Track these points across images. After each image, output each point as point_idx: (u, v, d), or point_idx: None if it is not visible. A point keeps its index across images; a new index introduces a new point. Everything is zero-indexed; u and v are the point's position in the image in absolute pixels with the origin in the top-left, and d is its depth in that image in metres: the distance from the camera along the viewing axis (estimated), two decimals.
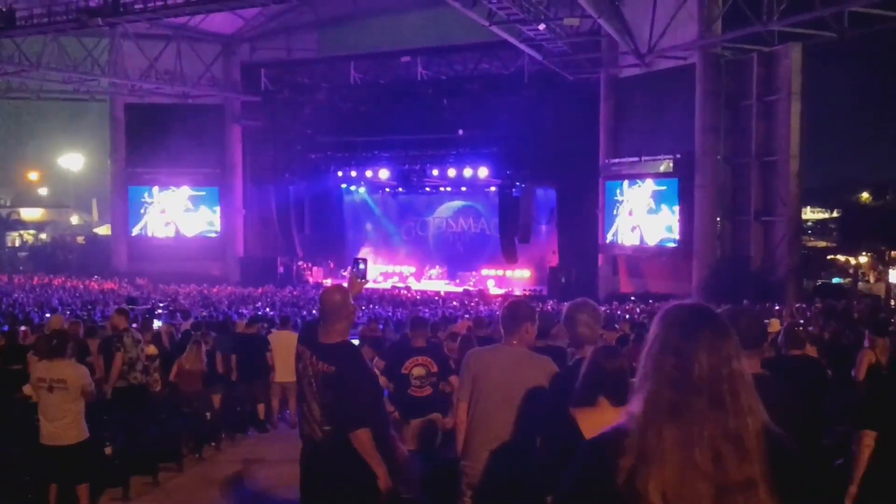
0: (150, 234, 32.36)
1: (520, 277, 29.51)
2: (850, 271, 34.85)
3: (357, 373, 4.02)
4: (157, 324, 12.98)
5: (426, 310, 20.78)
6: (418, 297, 27.01)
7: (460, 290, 29.14)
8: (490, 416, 4.03)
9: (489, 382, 4.06)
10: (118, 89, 29.85)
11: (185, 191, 32.19)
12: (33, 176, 59.77)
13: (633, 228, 25.56)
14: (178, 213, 32.42)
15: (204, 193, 32.38)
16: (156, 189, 32.11)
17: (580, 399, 2.84)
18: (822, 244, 37.04)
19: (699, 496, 1.64)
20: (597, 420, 1.83)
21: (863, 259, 35.45)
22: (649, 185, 24.99)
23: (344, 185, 31.95)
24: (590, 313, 3.95)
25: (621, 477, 1.66)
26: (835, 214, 38.33)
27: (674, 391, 1.69)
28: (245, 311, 18.45)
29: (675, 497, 1.64)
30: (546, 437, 3.00)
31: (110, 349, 8.45)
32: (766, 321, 10.47)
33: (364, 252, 31.19)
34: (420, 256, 32.42)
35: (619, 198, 25.96)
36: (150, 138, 30.17)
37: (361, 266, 4.53)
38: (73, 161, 55.89)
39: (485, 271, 30.35)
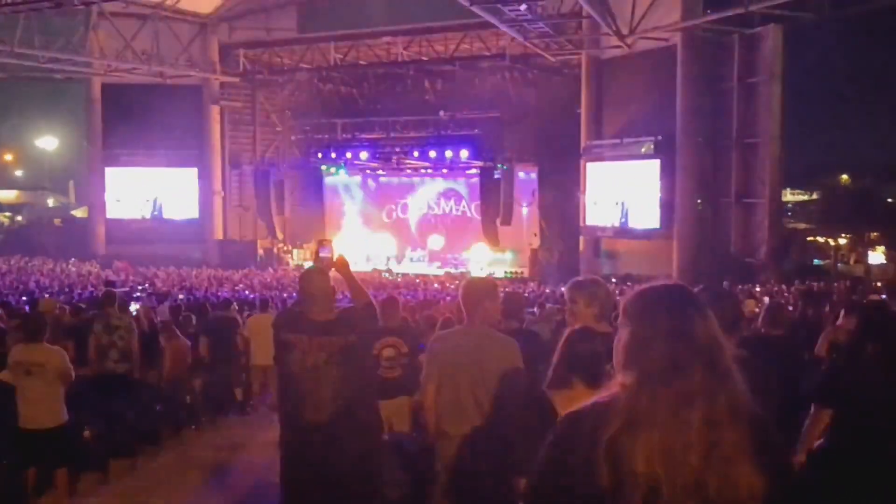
0: (128, 217, 32.05)
1: (502, 260, 29.48)
2: (830, 253, 35.16)
3: (374, 330, 4.63)
4: (134, 307, 12.85)
5: (408, 293, 20.74)
6: (399, 279, 26.98)
7: (442, 272, 29.14)
8: (458, 398, 4.03)
9: (454, 365, 4.08)
10: (94, 70, 29.45)
11: (164, 172, 31.86)
12: (8, 157, 59.01)
13: (615, 210, 25.60)
14: (156, 195, 32.11)
15: (183, 175, 32.06)
16: (134, 170, 31.76)
17: (554, 381, 2.82)
18: (803, 226, 37.35)
19: (687, 458, 1.64)
20: (572, 400, 1.81)
21: (842, 241, 35.79)
22: (631, 167, 25.02)
23: (324, 167, 31.76)
24: (587, 294, 3.87)
25: (602, 445, 1.64)
26: (815, 196, 38.68)
27: (674, 356, 1.71)
28: (224, 294, 18.34)
29: (662, 460, 1.63)
30: (520, 418, 2.98)
31: (82, 334, 8.38)
32: (743, 301, 10.54)
33: (340, 235, 31.19)
34: (401, 239, 32.35)
35: (601, 179, 25.97)
36: (127, 119, 29.75)
37: (325, 251, 4.54)
38: (49, 142, 55.22)
39: (466, 254, 30.32)
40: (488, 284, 4.37)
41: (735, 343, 3.26)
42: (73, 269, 27.12)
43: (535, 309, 11.89)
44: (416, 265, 30.96)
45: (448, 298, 15.93)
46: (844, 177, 38.33)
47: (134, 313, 11.01)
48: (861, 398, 3.88)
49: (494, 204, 27.36)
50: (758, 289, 17.65)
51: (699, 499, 1.63)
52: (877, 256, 34.02)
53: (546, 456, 1.74)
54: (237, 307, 12.28)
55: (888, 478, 3.64)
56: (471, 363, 4.03)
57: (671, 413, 1.66)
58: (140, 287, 21.06)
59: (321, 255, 4.50)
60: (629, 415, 1.67)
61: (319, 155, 29.81)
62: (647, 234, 24.68)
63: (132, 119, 29.45)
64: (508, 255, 29.19)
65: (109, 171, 31.73)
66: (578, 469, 1.66)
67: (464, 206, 31.55)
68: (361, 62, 30.04)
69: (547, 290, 20.28)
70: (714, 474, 1.64)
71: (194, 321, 11.25)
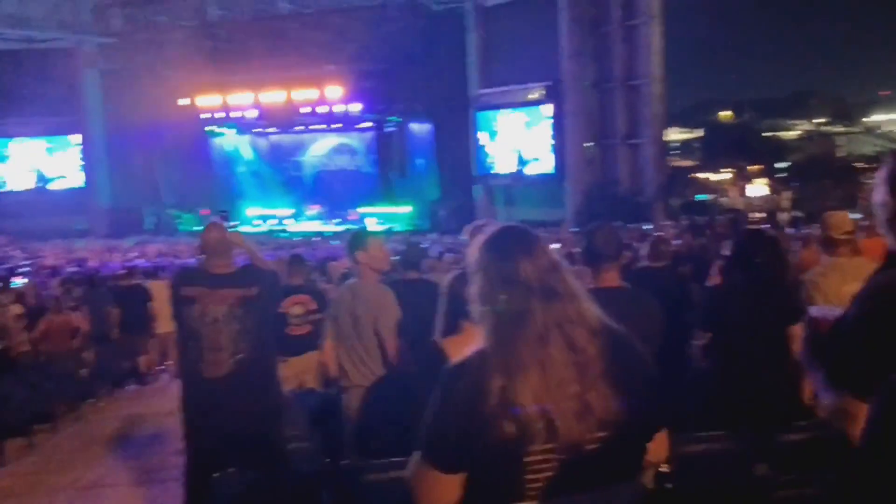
0: (7, 190, 30.47)
1: (401, 213, 29.45)
2: (714, 188, 36.59)
3: (278, 287, 4.48)
4: (19, 282, 12.35)
5: (307, 250, 20.54)
6: (297, 240, 26.65)
7: (342, 229, 28.91)
8: (353, 350, 4.12)
9: (347, 319, 4.19)
10: None
11: (42, 141, 30.34)
12: None
13: (509, 157, 25.88)
14: (36, 165, 30.59)
15: (62, 143, 30.61)
16: (11, 141, 30.14)
17: (444, 330, 2.89)
18: (687, 163, 38.66)
19: (566, 386, 1.70)
20: (465, 344, 1.85)
21: (725, 176, 37.24)
22: (521, 114, 25.28)
23: (210, 129, 30.85)
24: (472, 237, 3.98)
25: (495, 396, 1.68)
26: (697, 134, 40.00)
27: (512, 303, 1.75)
28: (115, 265, 17.76)
29: (547, 395, 1.69)
30: (419, 367, 3.05)
31: None
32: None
33: (231, 197, 30.60)
34: (297, 197, 31.87)
35: (493, 128, 26.17)
36: None
37: (224, 221, 4.63)
38: None
39: (364, 209, 30.18)
40: (357, 237, 4.44)
41: (616, 276, 3.42)
42: None
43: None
44: (313, 223, 30.61)
45: None
46: (726, 113, 39.73)
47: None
48: (731, 322, 4.12)
49: (389, 158, 27.26)
50: (647, 226, 18.23)
51: (589, 420, 1.70)
52: (758, 189, 35.58)
53: (440, 406, 1.76)
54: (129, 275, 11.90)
55: (755, 398, 3.87)
56: (360, 316, 4.16)
57: (533, 352, 1.72)
58: (26, 263, 20.15)
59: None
60: (505, 366, 1.71)
61: (206, 115, 28.92)
62: (541, 180, 25.09)
63: (2, 87, 27.82)
64: (408, 209, 29.18)
65: None
66: (476, 420, 1.69)
67: (359, 161, 31.26)
68: (242, 17, 29.13)
69: (448, 241, 20.43)
70: (592, 393, 1.72)
71: (83, 294, 10.90)
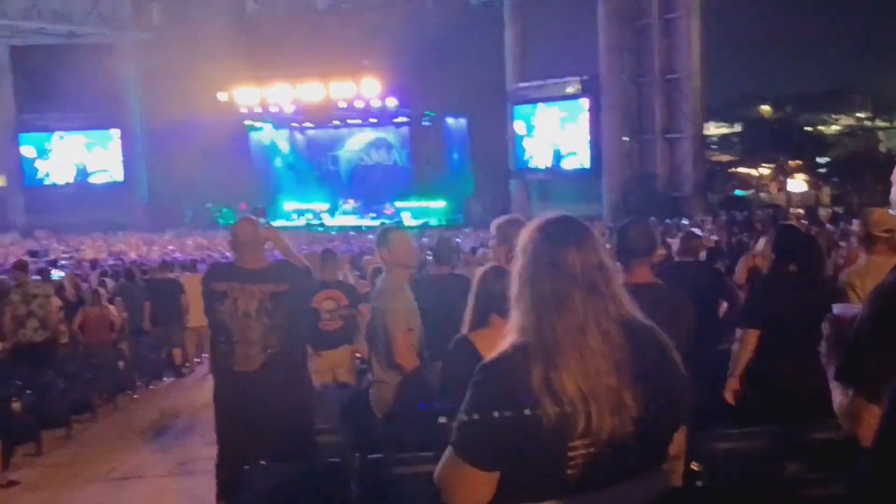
0: (49, 183, 31.02)
1: (436, 208, 29.46)
2: (753, 183, 36.06)
3: (310, 284, 4.52)
4: (59, 274, 12.55)
5: (342, 245, 20.64)
6: (333, 234, 26.78)
7: (377, 223, 28.98)
8: (387, 344, 4.12)
9: (379, 313, 4.19)
10: (0, 32, 28.16)
11: (83, 135, 30.83)
12: None
13: (545, 152, 25.75)
14: (77, 159, 31.11)
15: (102, 137, 31.09)
16: (53, 135, 30.66)
17: (473, 323, 2.88)
18: (726, 158, 38.14)
19: (603, 377, 1.70)
20: (493, 337, 1.84)
21: (764, 171, 36.70)
22: (558, 108, 25.13)
23: (248, 123, 31.11)
24: (499, 233, 3.97)
25: (537, 380, 1.68)
26: (737, 129, 39.44)
27: (554, 287, 1.76)
28: (154, 258, 17.99)
29: (587, 385, 1.69)
30: (446, 360, 3.03)
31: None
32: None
33: (269, 191, 30.83)
34: (333, 192, 32.02)
35: (531, 122, 26.06)
36: (39, 82, 28.62)
37: (260, 217, 4.67)
38: None
39: (399, 203, 30.23)
40: (382, 234, 4.44)
41: (649, 272, 3.37)
42: None
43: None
44: (349, 217, 30.74)
45: None
46: (765, 107, 39.11)
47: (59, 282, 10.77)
48: (784, 316, 4.04)
49: (424, 152, 27.27)
50: (685, 221, 18.05)
51: (623, 415, 1.70)
52: (797, 184, 35.02)
53: (477, 402, 1.74)
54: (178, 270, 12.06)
55: (789, 395, 3.80)
56: (389, 310, 4.16)
57: (573, 341, 1.72)
58: (66, 256, 20.49)
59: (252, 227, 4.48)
60: (544, 351, 1.71)
61: (244, 110, 29.16)
62: (579, 174, 24.94)
63: (45, 82, 28.38)
64: (443, 203, 29.18)
65: (23, 137, 30.57)
66: (518, 411, 1.68)
67: (395, 156, 31.33)
68: (280, 12, 29.31)
69: (482, 235, 20.41)
70: (626, 390, 1.71)
71: (120, 287, 11.05)
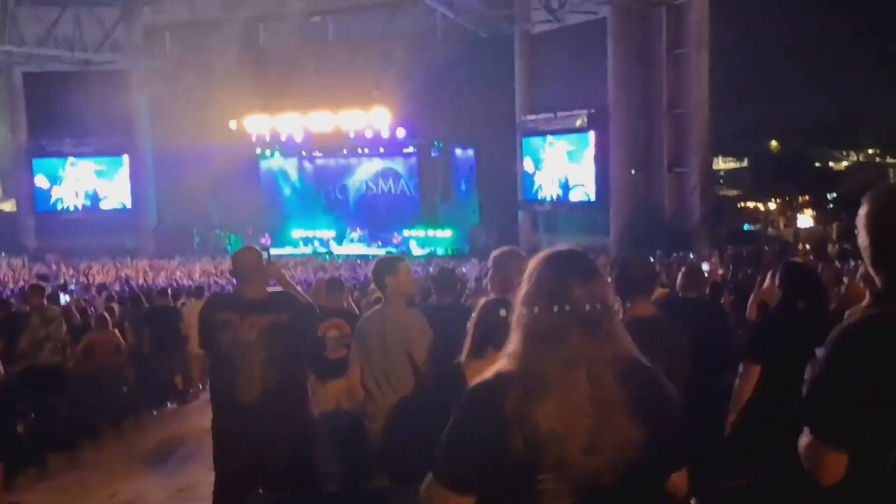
0: (59, 209, 31.23)
1: (441, 237, 29.53)
2: (761, 218, 36.06)
3: (311, 315, 4.40)
4: (67, 299, 12.61)
5: (347, 273, 20.69)
6: (340, 262, 26.85)
7: (383, 252, 29.02)
8: (383, 374, 4.13)
9: (371, 344, 4.20)
10: (15, 58, 28.51)
11: (93, 161, 31.07)
12: None
13: (553, 183, 25.83)
14: (87, 184, 31.32)
15: (113, 163, 31.32)
16: (66, 161, 30.91)
17: (469, 352, 2.90)
18: (734, 192, 38.18)
19: (580, 419, 1.70)
20: (483, 370, 1.86)
21: (772, 206, 36.70)
22: (566, 141, 25.25)
23: (259, 150, 31.33)
24: (495, 265, 4.01)
25: (510, 408, 1.69)
26: (745, 164, 39.51)
27: (552, 319, 1.77)
28: (161, 283, 18.08)
29: (561, 422, 1.69)
30: (437, 391, 3.05)
31: (13, 329, 8.22)
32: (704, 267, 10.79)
33: (277, 219, 30.95)
34: (341, 220, 32.12)
35: (539, 155, 26.17)
36: (52, 108, 28.89)
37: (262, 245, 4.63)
38: None
39: (406, 232, 30.31)
40: (389, 263, 4.44)
41: (650, 306, 3.39)
42: (3, 263, 26.33)
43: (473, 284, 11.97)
44: (356, 246, 30.81)
45: None
46: (773, 143, 39.20)
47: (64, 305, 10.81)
48: (791, 352, 4.04)
49: (433, 182, 27.39)
50: (691, 255, 18.03)
51: (596, 456, 1.70)
52: (805, 220, 35.00)
53: (454, 426, 1.77)
54: (172, 295, 12.08)
55: (789, 431, 3.78)
56: (387, 342, 4.17)
57: (559, 376, 1.73)
58: (74, 280, 20.61)
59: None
60: (526, 380, 1.73)
61: (253, 137, 29.38)
62: (585, 206, 24.97)
63: (57, 108, 28.62)
64: (449, 233, 29.25)
65: (36, 162, 30.84)
66: (488, 437, 1.70)
67: (402, 185, 31.45)
68: (291, 43, 29.60)
69: (486, 265, 20.44)
70: (605, 432, 1.71)
71: (126, 312, 11.09)
